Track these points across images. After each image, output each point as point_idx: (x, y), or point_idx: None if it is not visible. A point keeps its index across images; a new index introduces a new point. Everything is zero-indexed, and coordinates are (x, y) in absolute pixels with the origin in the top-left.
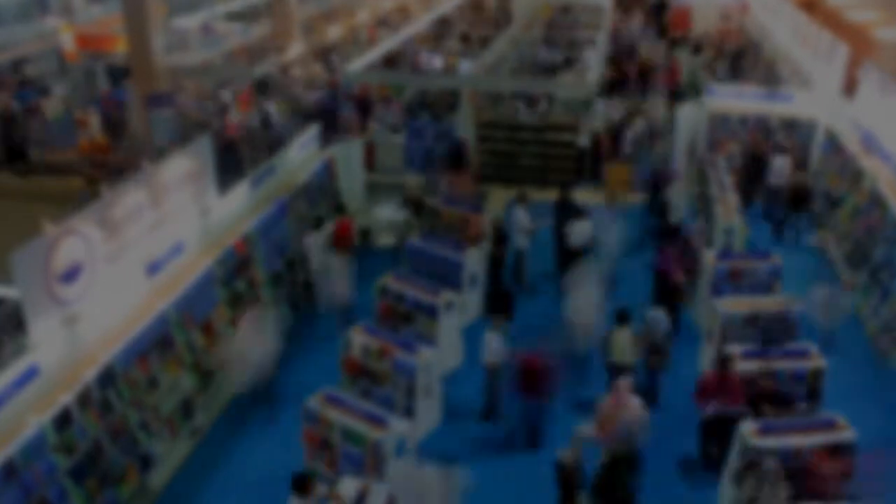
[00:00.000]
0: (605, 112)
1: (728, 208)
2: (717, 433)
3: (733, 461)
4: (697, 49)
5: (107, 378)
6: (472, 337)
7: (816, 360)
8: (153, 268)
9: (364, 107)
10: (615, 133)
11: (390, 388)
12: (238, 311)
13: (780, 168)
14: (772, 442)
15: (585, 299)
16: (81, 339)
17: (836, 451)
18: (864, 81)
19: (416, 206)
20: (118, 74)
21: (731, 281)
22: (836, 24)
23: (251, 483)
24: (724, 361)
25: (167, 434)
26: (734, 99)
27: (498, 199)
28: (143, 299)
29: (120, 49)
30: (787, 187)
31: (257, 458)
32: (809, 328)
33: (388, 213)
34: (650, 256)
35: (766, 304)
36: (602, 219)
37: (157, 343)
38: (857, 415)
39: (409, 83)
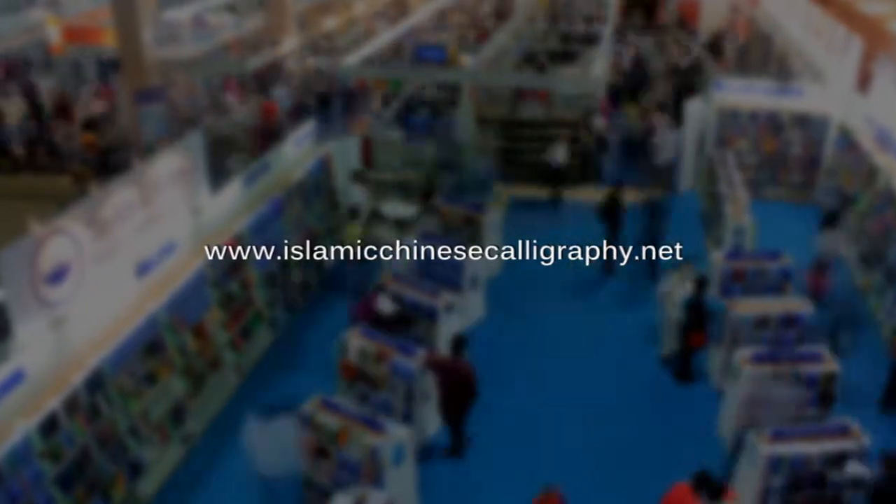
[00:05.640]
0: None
1: (738, 207)
2: None
3: None
4: (712, 46)
5: (95, 382)
6: (475, 339)
7: (829, 364)
8: (143, 268)
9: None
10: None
11: (388, 392)
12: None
13: None
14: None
15: None
16: (69, 342)
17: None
18: (879, 76)
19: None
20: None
21: (738, 282)
22: (849, 16)
23: (245, 493)
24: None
25: (157, 440)
26: (744, 94)
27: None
28: (132, 301)
29: (108, 42)
30: None
31: (251, 467)
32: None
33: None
34: None
35: (776, 306)
36: None
37: (148, 346)
38: (872, 420)
39: (406, 77)
